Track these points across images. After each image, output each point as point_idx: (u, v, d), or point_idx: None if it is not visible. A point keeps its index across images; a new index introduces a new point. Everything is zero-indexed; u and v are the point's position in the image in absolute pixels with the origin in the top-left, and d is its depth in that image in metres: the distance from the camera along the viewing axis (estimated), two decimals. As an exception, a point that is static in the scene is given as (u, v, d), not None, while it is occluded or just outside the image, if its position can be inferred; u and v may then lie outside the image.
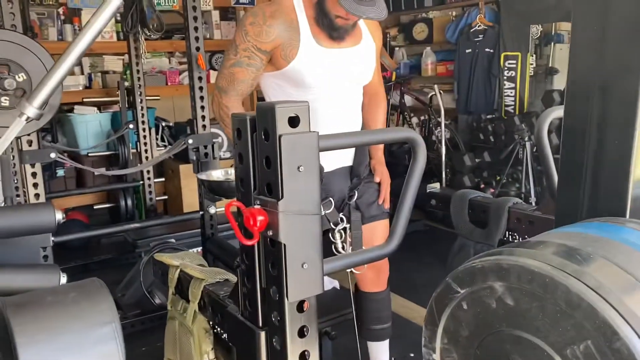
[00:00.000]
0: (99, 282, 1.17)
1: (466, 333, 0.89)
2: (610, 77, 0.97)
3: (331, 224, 1.72)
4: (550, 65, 4.97)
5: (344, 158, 1.80)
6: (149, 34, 3.26)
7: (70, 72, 4.65)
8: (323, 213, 1.74)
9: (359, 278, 1.91)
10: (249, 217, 0.92)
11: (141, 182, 3.92)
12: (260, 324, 1.04)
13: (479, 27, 4.54)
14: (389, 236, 1.13)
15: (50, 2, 4.48)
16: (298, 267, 0.94)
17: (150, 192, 3.87)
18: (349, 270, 1.76)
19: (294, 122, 0.91)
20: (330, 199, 1.72)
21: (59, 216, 1.59)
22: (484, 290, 0.84)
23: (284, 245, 0.92)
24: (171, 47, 4.95)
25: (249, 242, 0.94)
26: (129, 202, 4.34)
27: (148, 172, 3.85)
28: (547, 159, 1.48)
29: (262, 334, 1.03)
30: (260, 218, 0.92)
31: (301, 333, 0.99)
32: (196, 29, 2.61)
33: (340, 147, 1.03)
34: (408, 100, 5.43)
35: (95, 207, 4.59)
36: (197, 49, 2.63)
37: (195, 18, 2.60)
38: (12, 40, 2.05)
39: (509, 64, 4.41)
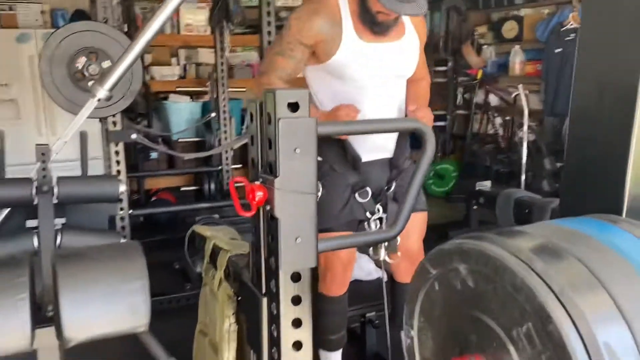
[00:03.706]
0: (136, 245, 1.32)
1: (437, 312, 0.93)
2: (613, 76, 0.96)
3: (367, 213, 1.79)
4: None
5: (383, 150, 1.83)
6: (232, 28, 3.46)
7: (167, 63, 4.99)
8: (360, 201, 1.80)
9: (394, 269, 1.95)
10: (249, 191, 1.02)
11: (220, 167, 4.19)
12: (264, 291, 1.14)
13: (571, 25, 4.33)
14: (394, 220, 1.19)
15: (153, -2, 4.88)
16: (292, 240, 1.03)
17: (228, 178, 4.12)
18: (382, 258, 1.81)
19: (293, 107, 0.99)
20: (367, 188, 1.78)
21: (122, 188, 1.79)
22: (451, 272, 0.88)
23: (279, 219, 1.01)
24: (259, 41, 5.19)
25: (247, 214, 1.04)
26: (212, 185, 4.63)
27: (227, 158, 4.10)
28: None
29: (264, 300, 1.13)
30: (259, 193, 1.02)
31: (295, 301, 1.08)
32: (269, 23, 2.76)
33: (341, 133, 1.10)
34: (493, 99, 5.29)
35: (182, 188, 4.94)
36: (269, 42, 2.78)
37: (268, 13, 2.75)
38: (101, 31, 2.31)
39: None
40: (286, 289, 1.06)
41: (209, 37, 4.92)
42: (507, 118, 5.19)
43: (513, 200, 1.88)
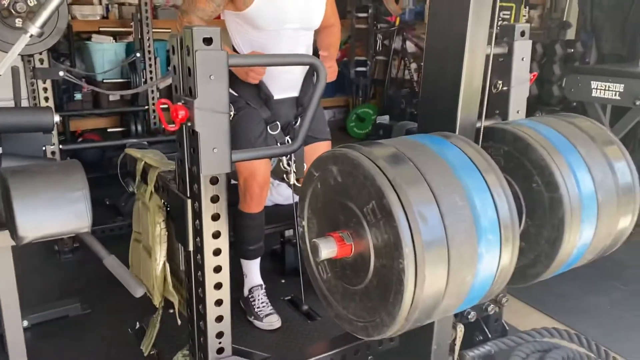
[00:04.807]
0: (76, 162, 1.54)
1: (320, 205, 1.24)
2: (451, 25, 1.28)
3: (278, 143, 2.08)
4: (565, 19, 5.11)
5: (291, 89, 2.12)
6: (156, -32, 3.52)
7: (89, 2, 4.91)
8: (272, 134, 2.09)
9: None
10: (173, 110, 1.27)
11: (146, 107, 4.30)
12: (188, 195, 1.40)
13: (478, -24, 4.67)
14: (294, 138, 1.47)
15: None
16: (210, 150, 1.29)
17: (154, 117, 4.26)
18: (292, 182, 2.13)
19: (208, 41, 1.23)
20: (277, 122, 2.07)
21: (57, 118, 1.95)
22: (328, 172, 1.18)
23: (199, 133, 1.27)
24: (184, -18, 5.19)
25: (172, 128, 1.29)
26: (139, 126, 4.73)
27: (153, 98, 4.21)
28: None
29: (189, 202, 1.40)
30: (181, 112, 1.27)
31: (213, 200, 1.35)
32: (191, -34, 2.88)
33: (248, 65, 1.35)
34: (410, 46, 5.63)
35: (108, 130, 5.00)
36: (192, -15, 2.91)
37: (190, -44, 2.87)
38: (25, -31, 2.37)
39: (503, 14, 4.57)
40: (206, 190, 1.33)
41: (131, -24, 4.90)
42: (422, 64, 5.54)
43: (405, 130, 2.22)
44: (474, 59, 1.29)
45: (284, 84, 2.08)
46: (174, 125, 1.28)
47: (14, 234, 1.40)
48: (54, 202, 1.42)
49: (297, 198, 2.43)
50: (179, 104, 1.28)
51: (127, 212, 3.46)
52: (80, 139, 4.81)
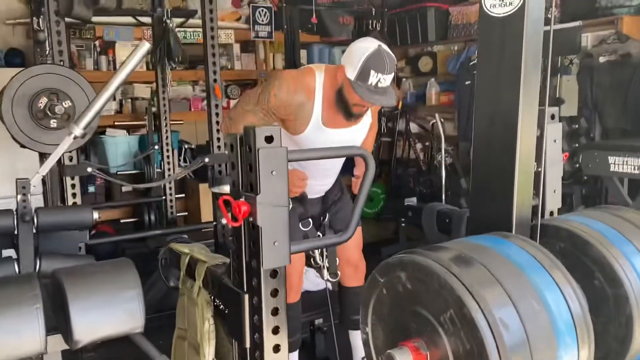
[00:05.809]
0: (128, 260, 1.54)
1: (386, 311, 1.23)
2: (501, 110, 1.33)
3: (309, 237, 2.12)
4: (557, 95, 5.30)
5: (320, 192, 2.24)
6: (174, 66, 3.69)
7: (104, 99, 5.03)
8: (304, 230, 2.14)
9: (341, 276, 2.26)
10: (236, 206, 1.29)
11: (163, 197, 4.33)
12: (245, 289, 1.39)
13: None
14: (345, 227, 1.48)
15: (88, 36, 4.99)
16: (271, 244, 1.29)
17: (171, 207, 4.27)
18: (326, 278, 2.14)
19: (269, 139, 1.27)
20: (309, 219, 2.12)
21: (96, 215, 1.97)
22: (395, 278, 1.18)
23: (260, 227, 1.28)
24: (195, 76, 5.40)
25: (235, 224, 1.30)
26: (152, 216, 4.75)
27: (170, 188, 4.26)
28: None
29: (246, 296, 1.38)
30: (244, 208, 1.29)
31: (273, 293, 1.33)
32: (214, 63, 3.03)
33: (306, 159, 1.39)
34: (413, 127, 5.79)
35: (121, 221, 5.01)
36: (215, 80, 3.04)
37: (213, 54, 3.02)
38: (61, 73, 2.48)
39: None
40: (266, 284, 1.32)
41: (144, 72, 5.09)
42: (427, 143, 5.69)
43: (436, 212, 2.24)
44: (526, 145, 1.33)
45: (317, 189, 2.22)
46: (236, 221, 1.30)
47: (68, 338, 1.37)
48: (109, 303, 1.41)
49: (329, 285, 2.42)
50: (241, 200, 1.30)
51: (148, 306, 3.39)
52: (93, 231, 4.80)
